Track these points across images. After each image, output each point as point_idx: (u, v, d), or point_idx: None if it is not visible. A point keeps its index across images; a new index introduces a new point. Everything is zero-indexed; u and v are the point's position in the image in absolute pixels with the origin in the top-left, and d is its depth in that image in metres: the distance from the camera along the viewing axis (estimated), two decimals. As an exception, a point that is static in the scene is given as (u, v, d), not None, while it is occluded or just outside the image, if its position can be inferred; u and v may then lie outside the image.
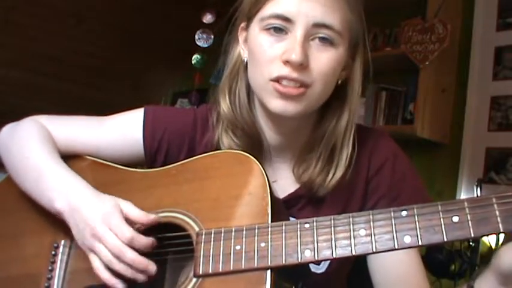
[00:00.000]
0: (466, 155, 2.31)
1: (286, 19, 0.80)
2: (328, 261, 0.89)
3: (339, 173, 0.88)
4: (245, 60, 0.90)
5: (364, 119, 2.56)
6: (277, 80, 0.81)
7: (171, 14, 3.40)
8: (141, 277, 0.79)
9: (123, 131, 0.97)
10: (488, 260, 0.69)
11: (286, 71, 0.80)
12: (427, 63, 2.24)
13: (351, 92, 0.89)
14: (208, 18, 3.33)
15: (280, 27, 0.81)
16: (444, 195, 2.28)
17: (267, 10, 0.82)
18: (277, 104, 0.82)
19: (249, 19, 0.87)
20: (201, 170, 0.86)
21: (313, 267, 0.89)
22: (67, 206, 0.84)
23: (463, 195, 2.26)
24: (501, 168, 2.18)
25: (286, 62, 0.80)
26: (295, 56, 0.78)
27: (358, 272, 0.95)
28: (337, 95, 0.89)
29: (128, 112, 0.99)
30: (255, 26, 0.85)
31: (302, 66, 0.80)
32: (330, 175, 0.88)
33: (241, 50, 0.91)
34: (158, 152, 0.95)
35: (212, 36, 3.35)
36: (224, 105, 0.91)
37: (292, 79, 0.80)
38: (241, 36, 0.91)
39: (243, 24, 0.91)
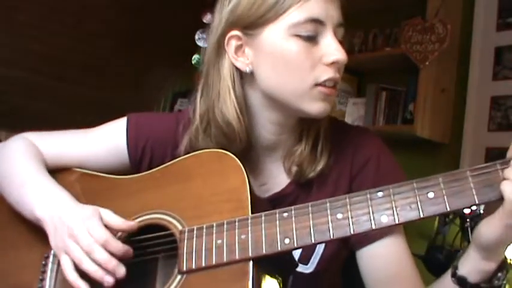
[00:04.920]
0: (466, 155, 2.30)
1: (320, 22, 0.81)
2: (317, 260, 0.90)
3: (325, 154, 0.91)
4: (247, 69, 0.86)
5: (364, 119, 2.56)
6: (323, 83, 0.83)
7: (171, 14, 3.39)
8: (109, 280, 0.78)
9: (107, 141, 0.99)
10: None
11: (331, 72, 0.83)
12: (427, 63, 2.24)
13: None
14: (208, 18, 3.32)
15: (313, 33, 0.81)
16: (444, 195, 2.27)
17: (299, 16, 0.80)
18: (319, 107, 0.84)
19: (258, 25, 0.83)
20: (184, 170, 0.88)
21: (301, 267, 0.90)
22: (47, 213, 0.86)
23: (463, 195, 2.26)
24: (501, 168, 2.18)
25: (332, 64, 0.82)
26: (342, 55, 0.82)
27: (352, 272, 0.95)
28: None
29: (111, 122, 1.02)
30: (278, 32, 0.82)
31: (344, 63, 0.83)
32: (318, 156, 0.91)
33: (233, 59, 0.86)
34: (143, 159, 0.97)
35: (212, 36, 3.35)
36: (233, 117, 0.87)
37: (336, 79, 0.84)
38: (230, 45, 0.86)
39: (234, 33, 0.85)
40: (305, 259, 0.90)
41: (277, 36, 0.82)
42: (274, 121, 0.90)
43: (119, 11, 3.28)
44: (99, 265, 0.78)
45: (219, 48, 0.88)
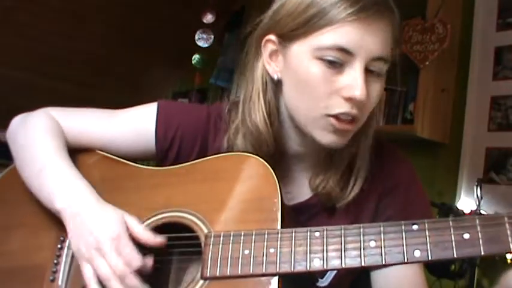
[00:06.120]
0: (466, 155, 2.30)
1: (348, 52, 0.75)
2: (332, 275, 0.88)
3: (358, 185, 0.87)
4: (276, 77, 0.84)
5: (364, 119, 2.55)
6: (335, 115, 0.78)
7: (171, 14, 3.39)
8: None
9: (135, 126, 0.95)
10: (488, 261, 0.69)
11: (347, 107, 0.77)
12: (427, 63, 2.24)
13: (374, 111, 0.87)
14: (208, 18, 3.32)
15: (338, 60, 0.76)
16: (444, 195, 2.27)
17: (326, 39, 0.75)
18: (329, 139, 0.80)
19: (289, 38, 0.80)
20: (212, 171, 0.85)
21: (318, 281, 0.88)
22: (68, 208, 0.84)
23: (463, 195, 2.26)
24: (501, 168, 2.18)
25: (349, 99, 0.77)
26: (361, 94, 0.75)
27: (360, 285, 0.95)
28: None
29: (141, 107, 0.97)
30: (304, 51, 0.78)
31: (363, 102, 0.77)
32: (350, 187, 0.87)
33: (266, 63, 0.85)
34: (170, 149, 0.93)
35: (212, 36, 3.35)
36: (260, 121, 0.85)
37: (352, 116, 0.78)
38: (267, 48, 0.84)
39: (270, 37, 0.83)
40: (321, 273, 0.88)
41: (303, 55, 0.78)
42: (299, 133, 0.87)
43: (119, 11, 3.28)
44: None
45: (257, 47, 0.86)
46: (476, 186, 2.04)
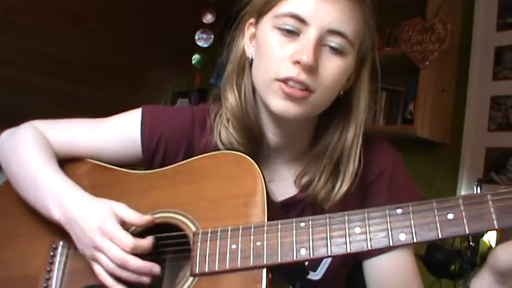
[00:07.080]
0: (466, 155, 2.30)
1: (302, 20, 0.79)
2: (325, 267, 0.89)
3: (345, 187, 0.87)
4: (250, 57, 0.88)
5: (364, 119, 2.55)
6: (284, 80, 0.80)
7: (171, 14, 3.39)
8: (145, 280, 0.80)
9: (120, 132, 0.97)
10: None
11: (294, 72, 0.79)
12: (427, 63, 2.24)
13: (356, 105, 0.89)
14: (208, 18, 3.32)
15: (293, 29, 0.80)
16: (444, 195, 2.26)
17: (283, 8, 0.81)
18: (279, 104, 0.81)
19: (260, 15, 0.86)
20: (199, 170, 0.86)
21: (309, 274, 0.89)
22: (62, 216, 0.85)
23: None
24: (501, 168, 2.18)
25: (296, 63, 0.79)
26: (307, 57, 0.77)
27: (355, 279, 0.95)
28: (343, 107, 0.88)
29: (125, 113, 0.99)
30: (267, 22, 0.84)
31: (311, 69, 0.79)
32: (336, 189, 0.87)
33: (246, 45, 0.90)
34: (156, 153, 0.95)
35: (212, 36, 3.35)
36: (232, 99, 0.90)
37: (299, 81, 0.79)
38: (248, 31, 0.90)
39: (251, 20, 0.89)
40: (313, 266, 0.89)
41: (266, 27, 0.84)
42: (271, 117, 0.88)
43: (119, 11, 3.28)
44: (133, 271, 0.79)
45: (241, 30, 0.91)
46: (476, 186, 2.04)
